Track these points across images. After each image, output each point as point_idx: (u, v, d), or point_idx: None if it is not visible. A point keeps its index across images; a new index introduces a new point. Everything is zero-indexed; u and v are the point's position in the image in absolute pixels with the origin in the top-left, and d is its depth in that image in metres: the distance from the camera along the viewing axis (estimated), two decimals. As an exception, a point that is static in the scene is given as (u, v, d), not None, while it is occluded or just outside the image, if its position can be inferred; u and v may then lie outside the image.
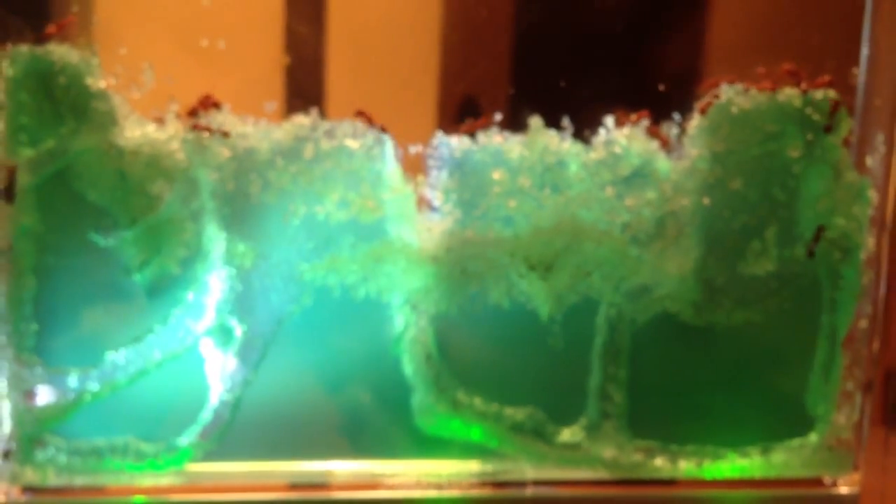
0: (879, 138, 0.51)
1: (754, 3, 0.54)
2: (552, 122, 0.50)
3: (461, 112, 0.51)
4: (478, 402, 0.51)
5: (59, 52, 0.46)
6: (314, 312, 0.49)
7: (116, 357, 0.48)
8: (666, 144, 0.50)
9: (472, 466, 0.52)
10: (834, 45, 0.52)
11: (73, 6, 0.48)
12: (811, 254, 0.46)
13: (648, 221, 0.49)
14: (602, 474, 0.52)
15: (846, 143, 0.50)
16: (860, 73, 0.51)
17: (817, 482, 0.53)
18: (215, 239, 0.48)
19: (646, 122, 0.50)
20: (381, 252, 0.48)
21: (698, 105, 0.49)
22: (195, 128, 0.46)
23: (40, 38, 0.46)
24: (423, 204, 0.50)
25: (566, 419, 0.51)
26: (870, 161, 0.51)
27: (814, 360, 0.52)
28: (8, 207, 0.47)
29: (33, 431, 0.48)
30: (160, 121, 0.48)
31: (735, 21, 0.53)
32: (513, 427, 0.51)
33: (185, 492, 0.49)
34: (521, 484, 0.52)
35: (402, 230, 0.49)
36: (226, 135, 0.46)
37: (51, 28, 0.46)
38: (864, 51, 0.51)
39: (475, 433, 0.51)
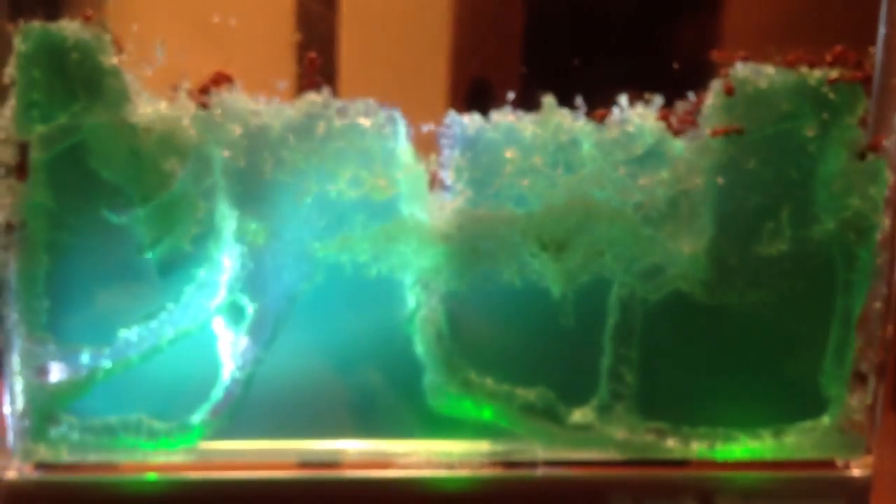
0: (895, 118, 0.51)
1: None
2: (565, 101, 0.49)
3: (473, 91, 0.51)
4: (489, 382, 0.51)
5: (72, 28, 0.46)
6: (326, 291, 0.49)
7: (129, 334, 0.48)
8: (678, 133, 0.50)
9: (483, 446, 0.52)
10: (851, 24, 0.51)
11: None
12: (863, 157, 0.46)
13: (661, 201, 0.49)
14: (613, 455, 0.52)
15: (862, 123, 0.50)
16: (877, 52, 0.51)
17: (830, 464, 0.53)
18: (227, 217, 0.48)
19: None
20: (393, 231, 0.48)
21: (723, 84, 0.49)
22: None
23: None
24: (436, 182, 0.49)
25: (578, 400, 0.51)
26: (886, 141, 0.51)
27: (827, 341, 0.52)
28: (20, 184, 0.47)
29: (46, 408, 0.49)
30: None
31: (752, 1, 0.53)
32: (524, 407, 0.51)
33: (197, 469, 0.50)
34: (532, 464, 0.52)
35: (414, 209, 0.49)
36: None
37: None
38: (882, 30, 0.51)
39: (486, 413, 0.51)
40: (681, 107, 0.50)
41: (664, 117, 0.50)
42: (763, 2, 0.53)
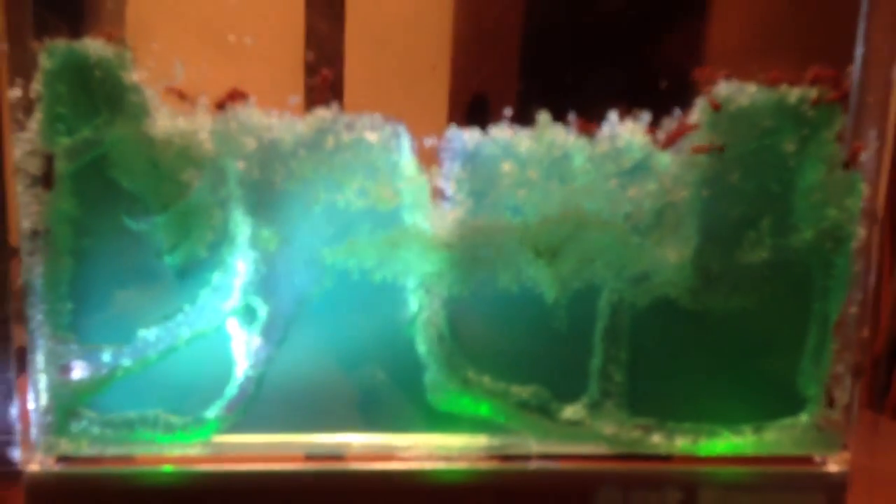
0: (872, 134, 0.53)
1: (753, 4, 0.56)
2: (560, 117, 0.52)
3: (473, 107, 0.54)
4: (486, 380, 0.53)
5: (94, 46, 0.49)
6: (334, 294, 0.51)
7: (147, 335, 0.51)
8: (664, 147, 0.52)
9: (481, 441, 0.54)
10: (830, 44, 0.54)
11: (106, 2, 0.50)
12: None
13: (649, 211, 0.51)
14: (603, 449, 0.54)
15: (839, 138, 0.52)
16: (854, 71, 0.53)
17: (808, 460, 0.55)
18: (241, 224, 0.50)
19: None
20: (397, 238, 0.51)
21: (708, 101, 0.51)
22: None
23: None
24: (437, 193, 0.52)
25: (569, 397, 0.54)
26: (862, 155, 0.53)
27: (805, 344, 0.54)
28: (47, 193, 0.49)
29: (68, 404, 0.51)
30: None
31: (733, 20, 0.55)
32: (519, 404, 0.53)
33: (211, 461, 0.52)
34: (527, 457, 0.54)
35: (416, 218, 0.51)
36: None
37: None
38: (859, 50, 0.53)
39: (484, 409, 0.53)
40: (667, 123, 0.52)
41: (651, 132, 0.52)
42: (745, 22, 0.55)
